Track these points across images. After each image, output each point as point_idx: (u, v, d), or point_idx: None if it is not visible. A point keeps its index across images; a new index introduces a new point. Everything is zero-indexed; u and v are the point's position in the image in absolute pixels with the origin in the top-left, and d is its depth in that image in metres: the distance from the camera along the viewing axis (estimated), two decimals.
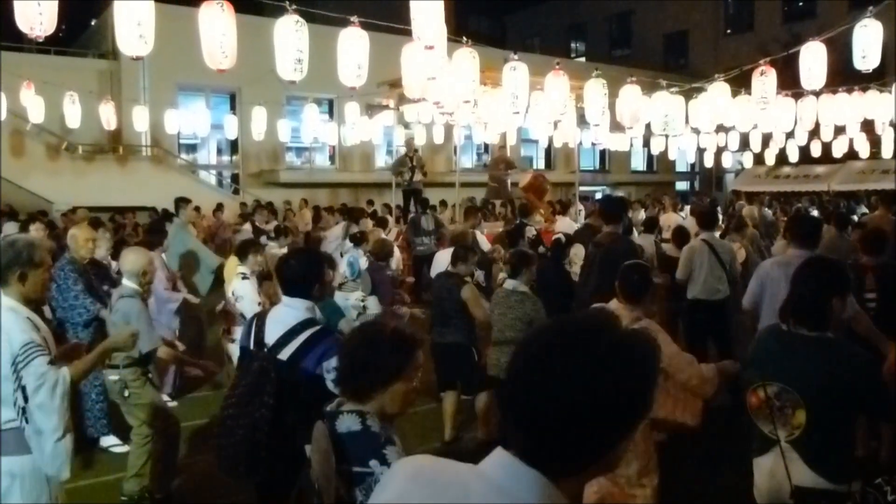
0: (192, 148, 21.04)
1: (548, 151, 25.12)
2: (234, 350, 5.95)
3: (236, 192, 19.89)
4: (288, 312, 3.24)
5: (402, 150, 15.53)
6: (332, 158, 22.29)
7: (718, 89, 10.06)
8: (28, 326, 3.02)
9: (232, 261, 6.64)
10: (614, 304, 4.02)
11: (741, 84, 10.17)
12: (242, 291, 5.96)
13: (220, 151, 21.72)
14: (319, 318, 3.26)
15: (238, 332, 5.88)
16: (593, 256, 5.88)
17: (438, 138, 16.32)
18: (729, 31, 30.67)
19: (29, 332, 2.99)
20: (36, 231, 7.55)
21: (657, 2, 31.32)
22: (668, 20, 31.50)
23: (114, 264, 6.81)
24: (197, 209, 12.92)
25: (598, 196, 24.32)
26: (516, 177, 13.97)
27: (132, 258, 4.90)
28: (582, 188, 18.43)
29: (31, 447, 2.95)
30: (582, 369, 1.10)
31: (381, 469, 2.13)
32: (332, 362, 2.95)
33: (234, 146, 20.75)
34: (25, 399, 2.91)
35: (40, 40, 5.21)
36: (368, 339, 2.35)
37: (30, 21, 4.95)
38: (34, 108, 13.66)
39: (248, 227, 12.69)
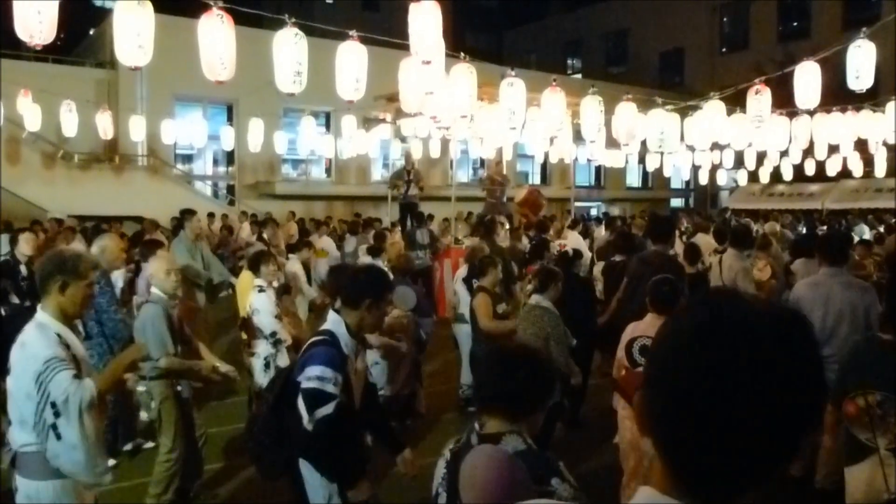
0: (188, 158, 21.06)
1: (543, 167, 25.22)
2: (254, 363, 5.95)
3: (232, 203, 19.89)
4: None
5: (400, 164, 15.56)
6: (328, 171, 22.33)
7: (714, 107, 10.12)
8: (54, 342, 2.96)
9: (246, 275, 6.67)
10: (649, 317, 4.33)
11: (736, 102, 10.22)
12: (259, 304, 5.97)
13: (216, 162, 21.74)
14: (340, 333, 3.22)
15: (259, 345, 5.89)
16: (641, 274, 5.89)
17: (435, 152, 16.37)
18: (724, 49, 30.92)
19: (53, 348, 2.93)
20: (26, 242, 7.49)
21: (653, 20, 31.57)
22: (664, 38, 31.72)
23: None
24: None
25: (594, 212, 24.42)
26: (512, 192, 14.04)
27: (152, 265, 5.04)
28: (577, 204, 18.48)
29: (66, 462, 2.90)
30: (773, 368, 0.88)
31: (562, 486, 2.10)
32: (314, 370, 3.00)
33: (230, 157, 20.77)
34: (56, 415, 2.86)
35: (39, 49, 5.21)
36: (527, 363, 2.35)
37: (29, 29, 4.93)
38: (31, 115, 13.67)
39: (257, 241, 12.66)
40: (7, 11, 5.03)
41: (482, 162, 22.87)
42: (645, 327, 4.32)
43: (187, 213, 9.02)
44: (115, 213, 15.13)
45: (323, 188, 21.57)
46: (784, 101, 9.89)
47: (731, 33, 31.09)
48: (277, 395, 3.16)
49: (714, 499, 0.93)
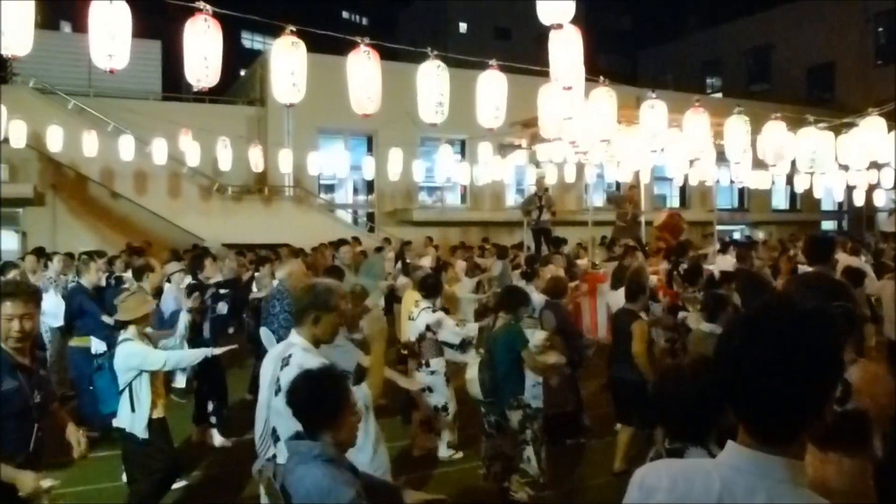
0: (330, 188, 21.94)
1: (682, 189, 24.42)
2: (435, 382, 6.29)
3: (371, 230, 20.51)
4: None
5: (533, 189, 15.57)
6: (463, 197, 22.63)
7: (872, 124, 9.48)
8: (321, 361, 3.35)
9: (412, 295, 6.95)
10: None
11: None
12: (440, 323, 6.33)
13: (356, 191, 22.52)
14: None
15: (437, 363, 6.28)
16: (803, 298, 5.62)
17: (570, 177, 16.26)
18: (879, 61, 28.93)
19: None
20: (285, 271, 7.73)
21: (799, 34, 30.07)
22: (811, 53, 30.10)
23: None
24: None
25: (737, 236, 23.35)
26: (650, 215, 13.69)
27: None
28: (719, 227, 17.73)
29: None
30: (793, 346, 1.33)
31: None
32: None
33: (370, 186, 21.46)
34: None
35: (206, 91, 5.64)
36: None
37: (197, 74, 5.41)
38: (191, 152, 14.76)
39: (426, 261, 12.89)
40: (174, 61, 5.52)
41: (617, 185, 22.49)
42: None
43: (386, 242, 9.76)
44: (264, 241, 15.92)
45: (458, 214, 21.86)
46: None
47: (888, 44, 29.04)
48: None
49: (776, 442, 1.37)
